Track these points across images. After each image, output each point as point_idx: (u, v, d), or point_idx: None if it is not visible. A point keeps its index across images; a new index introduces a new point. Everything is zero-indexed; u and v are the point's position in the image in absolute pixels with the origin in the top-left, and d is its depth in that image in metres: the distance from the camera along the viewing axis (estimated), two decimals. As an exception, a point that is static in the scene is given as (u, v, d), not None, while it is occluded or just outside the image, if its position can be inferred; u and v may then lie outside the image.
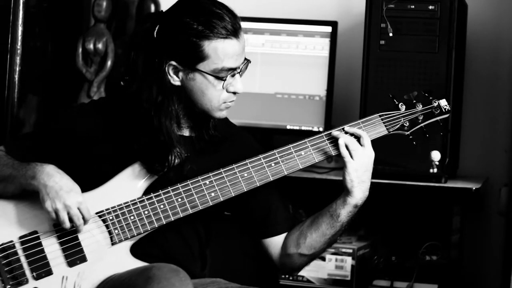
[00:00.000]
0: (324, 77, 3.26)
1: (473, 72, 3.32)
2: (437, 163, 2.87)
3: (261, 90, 3.30)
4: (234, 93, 2.26)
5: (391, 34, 2.97)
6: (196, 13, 2.20)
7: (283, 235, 2.37)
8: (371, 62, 2.99)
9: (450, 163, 2.98)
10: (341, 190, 2.31)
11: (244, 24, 3.37)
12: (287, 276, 3.11)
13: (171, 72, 2.23)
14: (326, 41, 3.27)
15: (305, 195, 3.09)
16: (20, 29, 3.07)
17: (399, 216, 3.28)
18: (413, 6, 2.96)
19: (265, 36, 3.31)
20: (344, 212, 2.29)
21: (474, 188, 2.92)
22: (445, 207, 3.11)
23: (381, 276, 3.15)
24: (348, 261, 3.09)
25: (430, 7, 2.95)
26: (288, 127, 3.28)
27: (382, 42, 2.98)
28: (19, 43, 3.08)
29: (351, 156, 2.26)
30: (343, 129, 2.30)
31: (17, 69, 3.08)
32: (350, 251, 3.09)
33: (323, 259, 3.09)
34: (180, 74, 2.23)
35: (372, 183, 2.97)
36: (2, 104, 3.08)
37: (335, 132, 2.29)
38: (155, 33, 2.23)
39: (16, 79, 3.08)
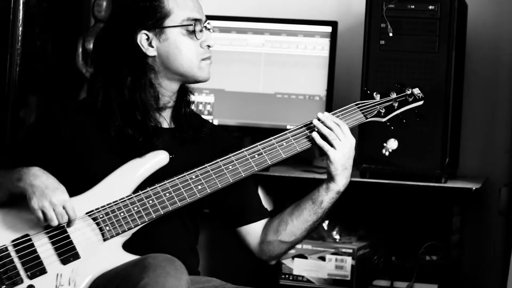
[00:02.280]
0: (324, 77, 3.26)
1: (473, 72, 3.32)
2: (390, 151, 2.90)
3: (261, 90, 3.30)
4: (209, 47, 2.33)
5: (391, 34, 2.97)
6: None
7: (260, 222, 2.42)
8: (371, 62, 2.98)
9: (450, 163, 2.98)
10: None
11: (244, 24, 3.39)
12: (287, 276, 3.11)
13: (144, 44, 2.30)
14: (326, 41, 3.27)
15: (305, 195, 3.09)
16: (20, 29, 3.07)
17: (399, 216, 3.28)
18: (413, 6, 2.96)
19: (265, 36, 3.31)
20: (327, 198, 2.35)
21: (474, 188, 2.92)
22: (445, 207, 3.10)
23: (381, 276, 3.16)
24: (348, 261, 3.09)
25: (430, 7, 2.95)
26: (288, 127, 3.28)
27: (382, 42, 2.98)
28: (19, 43, 3.08)
29: (332, 146, 2.31)
30: (318, 119, 2.35)
31: (17, 69, 3.08)
32: (350, 251, 3.09)
33: (323, 259, 3.09)
34: (154, 42, 2.30)
35: (372, 183, 2.99)
36: (2, 104, 3.08)
37: (315, 122, 2.35)
38: (118, 15, 2.32)
39: (16, 79, 3.08)
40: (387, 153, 2.88)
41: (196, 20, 2.31)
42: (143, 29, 2.29)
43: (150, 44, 2.30)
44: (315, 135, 2.34)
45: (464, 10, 3.13)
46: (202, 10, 2.35)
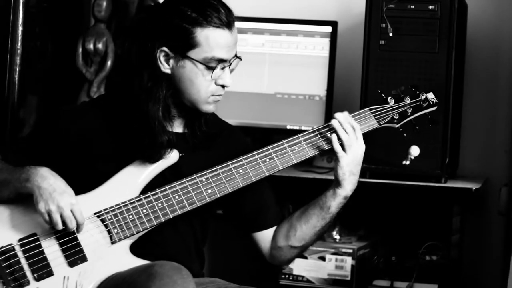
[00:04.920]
0: (324, 77, 3.26)
1: (473, 72, 3.32)
2: (412, 157, 2.88)
3: (261, 90, 3.30)
4: (223, 86, 2.28)
5: (391, 34, 2.97)
6: (191, 1, 2.24)
7: (273, 229, 2.40)
8: (371, 62, 2.98)
9: (450, 163, 2.98)
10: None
11: (244, 24, 3.39)
12: (287, 276, 3.11)
13: (162, 59, 2.25)
14: (326, 41, 3.27)
15: (305, 195, 3.09)
16: (20, 29, 3.07)
17: (399, 216, 3.28)
18: (413, 6, 2.96)
19: (265, 36, 3.31)
20: (335, 203, 2.33)
21: (474, 188, 2.92)
22: (445, 207, 3.11)
23: (381, 276, 3.16)
24: (348, 261, 3.09)
25: (430, 7, 2.95)
26: (288, 127, 3.28)
27: (382, 42, 2.98)
28: (19, 43, 3.07)
29: (344, 150, 2.30)
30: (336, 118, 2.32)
31: (17, 69, 3.08)
32: (350, 251, 3.09)
33: (323, 259, 3.09)
34: (171, 61, 2.25)
35: (372, 183, 2.99)
36: (2, 104, 3.08)
37: (334, 123, 2.31)
38: (148, 22, 2.25)
39: (16, 79, 3.08)
40: (408, 162, 2.84)
41: (220, 60, 2.25)
42: (165, 47, 2.24)
43: (167, 62, 2.25)
44: (334, 138, 2.30)
45: (464, 10, 3.13)
46: (235, 46, 2.27)
